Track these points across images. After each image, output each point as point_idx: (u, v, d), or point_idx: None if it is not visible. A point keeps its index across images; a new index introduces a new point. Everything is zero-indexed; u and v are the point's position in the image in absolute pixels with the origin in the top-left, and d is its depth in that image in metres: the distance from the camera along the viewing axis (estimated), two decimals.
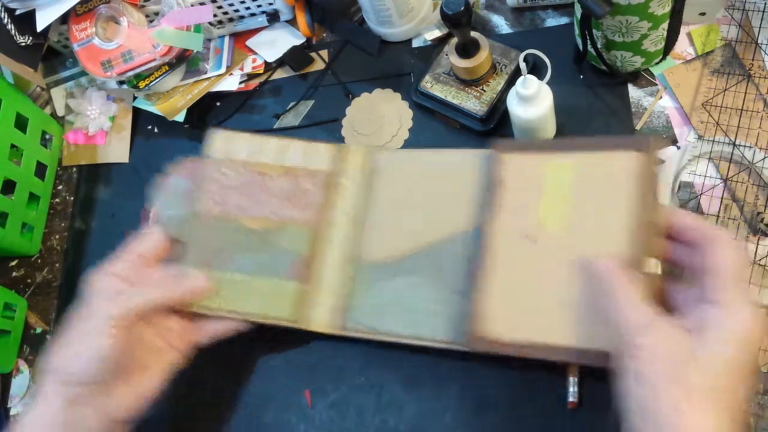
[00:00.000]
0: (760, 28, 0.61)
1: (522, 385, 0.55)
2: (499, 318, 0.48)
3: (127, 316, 0.49)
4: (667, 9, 0.54)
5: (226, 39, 0.75)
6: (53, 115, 0.80)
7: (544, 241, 0.48)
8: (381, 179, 0.58)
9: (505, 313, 0.48)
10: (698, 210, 0.57)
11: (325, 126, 0.70)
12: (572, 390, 0.53)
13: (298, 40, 0.74)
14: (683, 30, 0.62)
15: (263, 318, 0.56)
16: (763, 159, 0.56)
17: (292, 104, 0.72)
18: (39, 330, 0.70)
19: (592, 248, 0.46)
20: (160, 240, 0.56)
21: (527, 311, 0.48)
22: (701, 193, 0.57)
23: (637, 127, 0.61)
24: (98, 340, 0.48)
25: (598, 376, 0.44)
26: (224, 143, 0.59)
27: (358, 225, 0.57)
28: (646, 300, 0.41)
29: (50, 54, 0.80)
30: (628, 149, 0.47)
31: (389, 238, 0.56)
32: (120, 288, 0.52)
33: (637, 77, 0.63)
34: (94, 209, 0.74)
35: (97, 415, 0.49)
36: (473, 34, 0.60)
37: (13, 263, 0.73)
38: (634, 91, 0.63)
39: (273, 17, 0.74)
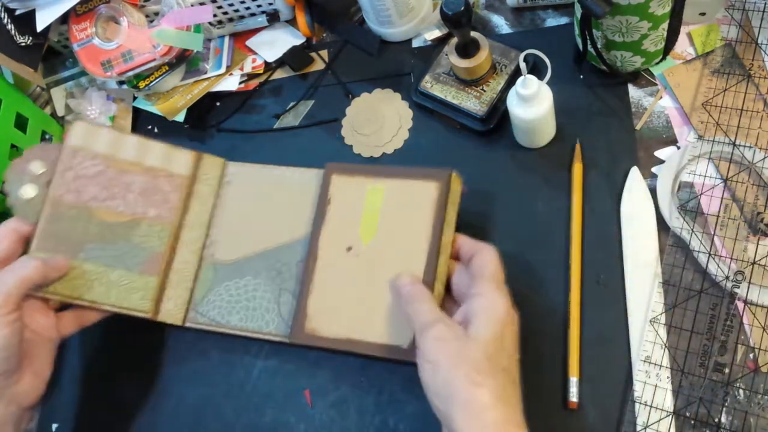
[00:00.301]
0: (760, 28, 0.61)
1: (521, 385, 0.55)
2: (319, 316, 0.55)
3: (11, 302, 0.51)
4: (667, 9, 0.54)
5: (226, 39, 0.75)
6: (53, 115, 0.80)
7: (361, 252, 0.56)
8: (232, 189, 0.63)
9: (325, 312, 0.55)
10: (698, 210, 0.57)
11: (325, 126, 0.70)
12: (573, 390, 0.53)
13: (298, 40, 0.74)
14: (683, 30, 0.62)
15: (118, 308, 0.58)
16: (763, 159, 0.56)
17: (292, 104, 0.72)
18: None
19: (397, 260, 0.54)
20: (11, 239, 0.56)
21: (344, 311, 0.55)
22: (701, 193, 0.57)
23: (637, 127, 0.61)
24: None
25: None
26: (85, 134, 0.60)
27: (210, 228, 0.62)
28: (433, 304, 0.50)
29: (50, 54, 0.80)
30: (430, 179, 0.55)
31: (237, 242, 0.61)
32: None
33: (637, 77, 0.63)
34: None
35: (7, 406, 0.51)
36: (473, 34, 0.60)
37: None
38: (634, 91, 0.63)
39: (273, 17, 0.74)
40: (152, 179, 0.61)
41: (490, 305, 0.48)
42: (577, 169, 0.60)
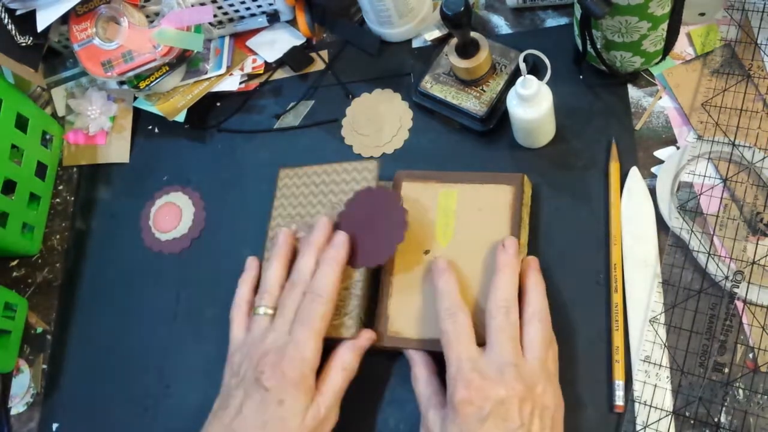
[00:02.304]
0: (759, 28, 0.61)
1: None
2: (401, 318, 0.56)
3: (339, 397, 0.53)
4: (667, 9, 0.54)
5: (227, 39, 0.75)
6: (54, 115, 0.80)
7: (439, 254, 0.57)
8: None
9: (407, 314, 0.56)
10: (698, 209, 0.57)
11: (325, 126, 0.70)
12: (619, 393, 0.52)
13: (298, 41, 0.74)
14: (683, 30, 0.62)
15: None
16: (763, 159, 0.56)
17: (292, 104, 0.72)
18: (40, 330, 0.70)
19: (477, 261, 0.56)
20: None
21: (426, 312, 0.56)
22: (701, 193, 0.58)
23: (637, 127, 0.61)
24: None
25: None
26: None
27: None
28: (427, 386, 0.52)
29: (51, 54, 0.81)
30: (504, 183, 0.58)
31: None
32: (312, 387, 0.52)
33: (637, 77, 0.63)
34: (94, 209, 0.74)
35: None
36: (473, 34, 0.60)
37: (14, 263, 0.73)
38: (633, 92, 0.63)
39: (273, 17, 0.74)
40: None
41: (449, 393, 0.48)
42: (614, 168, 0.59)
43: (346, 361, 0.54)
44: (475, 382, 0.46)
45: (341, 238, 0.56)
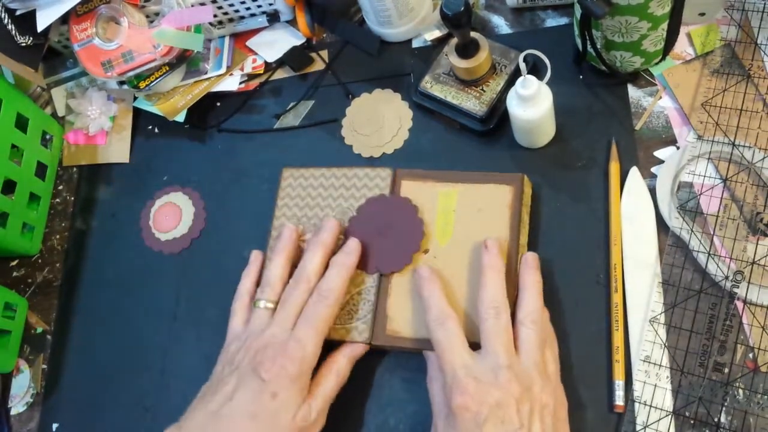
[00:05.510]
0: (759, 28, 0.61)
1: None
2: (400, 318, 0.56)
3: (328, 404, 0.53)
4: (667, 9, 0.54)
5: (227, 39, 0.75)
6: (54, 115, 0.80)
7: (438, 253, 0.57)
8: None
9: (405, 314, 0.56)
10: (698, 209, 0.57)
11: (325, 126, 0.70)
12: (619, 393, 0.52)
13: (298, 41, 0.74)
14: (683, 30, 0.62)
15: None
16: (763, 159, 0.56)
17: (292, 104, 0.72)
18: (40, 330, 0.70)
19: (476, 261, 0.55)
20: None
21: (422, 312, 0.54)
22: (701, 193, 0.58)
23: (637, 127, 0.61)
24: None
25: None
26: None
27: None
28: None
29: (51, 54, 0.80)
30: (504, 183, 0.57)
31: None
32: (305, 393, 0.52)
33: (637, 77, 0.63)
34: (94, 209, 0.74)
35: None
36: (473, 34, 0.60)
37: (14, 263, 0.73)
38: (633, 92, 0.63)
39: (273, 17, 0.74)
40: None
41: (447, 400, 0.48)
42: (614, 168, 0.59)
43: (341, 367, 0.54)
44: (470, 388, 0.46)
45: (354, 245, 0.57)
